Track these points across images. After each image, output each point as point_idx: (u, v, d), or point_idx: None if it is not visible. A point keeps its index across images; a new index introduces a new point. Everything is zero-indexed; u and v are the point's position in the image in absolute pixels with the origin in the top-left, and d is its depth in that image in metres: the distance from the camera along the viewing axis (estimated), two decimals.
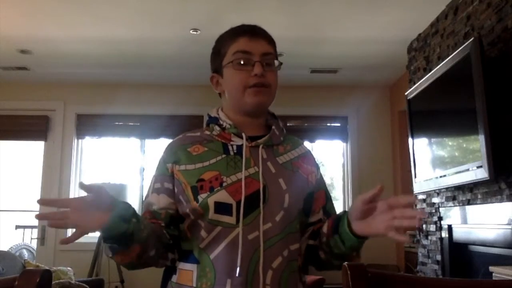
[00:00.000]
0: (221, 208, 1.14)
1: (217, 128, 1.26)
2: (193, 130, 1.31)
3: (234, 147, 1.23)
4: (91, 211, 0.97)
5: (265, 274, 1.12)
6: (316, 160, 1.35)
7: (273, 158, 1.24)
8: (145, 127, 5.26)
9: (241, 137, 1.23)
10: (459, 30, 3.08)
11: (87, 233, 0.98)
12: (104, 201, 1.00)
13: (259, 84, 1.22)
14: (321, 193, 1.31)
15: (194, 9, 3.46)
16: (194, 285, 1.14)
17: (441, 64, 3.04)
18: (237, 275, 1.10)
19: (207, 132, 1.28)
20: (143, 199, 1.31)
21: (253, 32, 1.26)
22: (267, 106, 1.29)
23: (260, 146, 1.24)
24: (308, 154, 1.33)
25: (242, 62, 1.23)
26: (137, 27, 3.78)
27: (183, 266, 1.19)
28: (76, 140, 5.25)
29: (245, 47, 1.23)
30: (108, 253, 1.10)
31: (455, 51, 2.83)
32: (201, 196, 1.15)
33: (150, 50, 4.27)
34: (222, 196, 1.14)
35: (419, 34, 3.78)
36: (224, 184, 1.16)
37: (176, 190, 1.21)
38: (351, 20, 3.62)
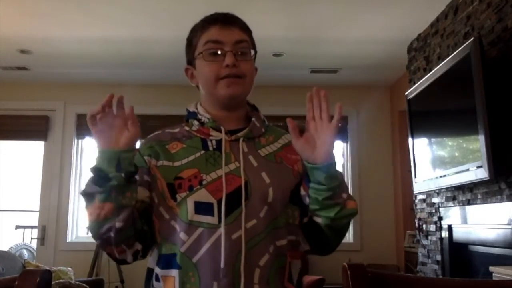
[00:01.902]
0: (202, 208, 1.08)
1: (196, 123, 1.20)
2: (172, 126, 1.26)
3: (213, 142, 1.17)
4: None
5: (252, 273, 1.07)
6: None
7: (255, 151, 1.18)
8: (145, 127, 5.22)
9: (220, 131, 1.17)
10: (459, 30, 3.08)
11: (127, 137, 1.10)
12: (134, 129, 1.12)
13: (231, 75, 1.15)
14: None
15: (194, 9, 3.46)
16: None
17: (441, 64, 3.04)
18: (222, 277, 1.05)
19: (187, 128, 1.22)
20: None
21: (224, 20, 1.19)
22: (243, 98, 1.22)
23: (241, 140, 1.17)
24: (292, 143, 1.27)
25: (213, 52, 1.17)
26: (137, 27, 3.77)
27: (165, 272, 1.11)
28: (76, 140, 5.24)
29: (216, 36, 1.17)
30: (88, 189, 1.04)
31: (455, 51, 2.83)
32: (180, 196, 1.09)
33: (150, 50, 4.27)
34: (202, 195, 1.09)
35: (419, 34, 3.78)
36: (204, 182, 1.10)
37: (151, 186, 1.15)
38: (351, 20, 3.62)
